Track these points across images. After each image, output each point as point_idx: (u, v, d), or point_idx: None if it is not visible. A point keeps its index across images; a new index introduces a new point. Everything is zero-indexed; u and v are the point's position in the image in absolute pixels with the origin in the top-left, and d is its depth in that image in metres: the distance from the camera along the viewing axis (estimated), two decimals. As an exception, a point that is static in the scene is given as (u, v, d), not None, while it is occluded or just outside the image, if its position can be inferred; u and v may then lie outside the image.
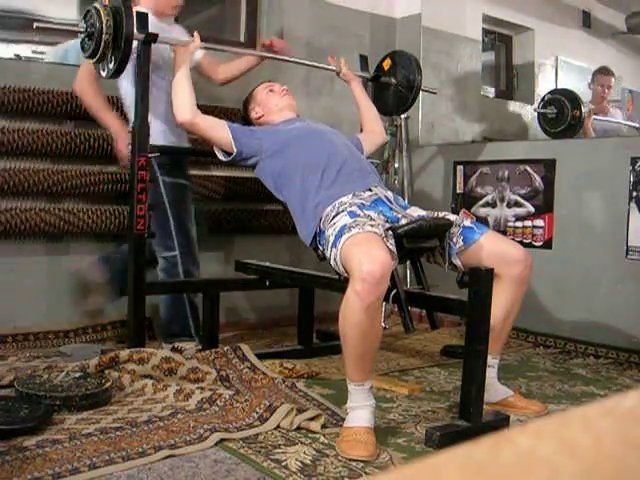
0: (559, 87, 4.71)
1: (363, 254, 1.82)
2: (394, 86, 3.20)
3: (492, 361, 2.21)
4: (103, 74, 2.34)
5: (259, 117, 2.67)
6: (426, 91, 3.29)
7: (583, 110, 4.18)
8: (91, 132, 2.94)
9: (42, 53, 3.07)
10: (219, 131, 2.49)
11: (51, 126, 2.90)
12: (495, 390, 2.25)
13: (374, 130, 2.88)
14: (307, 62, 3.13)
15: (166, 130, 2.74)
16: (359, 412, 1.88)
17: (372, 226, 1.98)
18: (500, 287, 2.11)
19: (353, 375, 1.89)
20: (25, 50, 3.05)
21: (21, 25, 3.01)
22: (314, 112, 3.53)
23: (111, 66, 2.32)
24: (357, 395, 1.90)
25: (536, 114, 4.46)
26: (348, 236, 1.94)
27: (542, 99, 4.37)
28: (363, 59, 3.26)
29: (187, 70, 2.54)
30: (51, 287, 2.95)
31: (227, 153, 2.51)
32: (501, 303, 2.12)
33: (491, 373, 2.22)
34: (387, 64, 3.24)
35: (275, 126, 2.59)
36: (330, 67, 3.03)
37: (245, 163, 2.54)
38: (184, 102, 2.50)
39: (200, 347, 2.73)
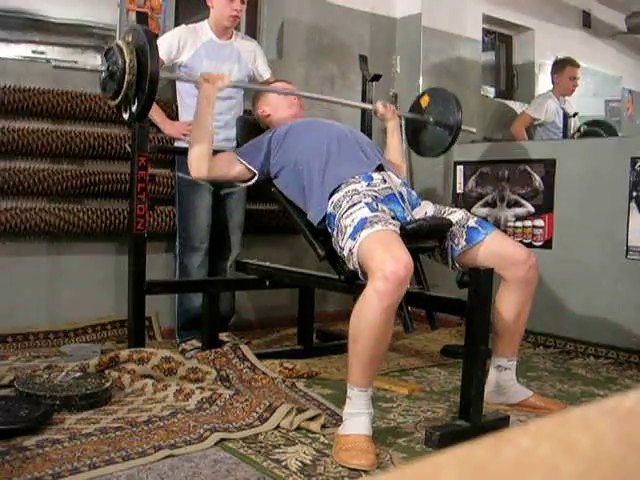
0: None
1: (386, 253, 1.78)
2: (431, 125, 2.96)
3: (508, 363, 2.21)
4: (125, 116, 2.16)
5: (266, 116, 2.66)
6: (466, 131, 3.01)
7: None
8: (91, 132, 2.94)
9: (42, 53, 3.07)
10: (235, 167, 2.42)
11: (51, 126, 2.90)
12: (515, 391, 2.23)
13: (395, 164, 2.68)
14: (342, 101, 3.07)
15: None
16: (359, 419, 1.81)
17: (394, 225, 1.95)
18: (507, 289, 2.11)
19: (358, 379, 1.81)
20: (25, 50, 3.05)
21: (21, 25, 3.01)
22: (314, 112, 3.52)
23: (134, 109, 2.09)
24: (359, 401, 1.82)
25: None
26: (370, 231, 1.89)
27: None
28: (363, 59, 3.26)
29: (210, 116, 2.38)
30: (51, 287, 2.95)
31: (250, 178, 2.45)
32: (509, 305, 2.11)
33: (509, 375, 2.21)
34: (425, 101, 2.99)
35: (280, 127, 2.50)
36: (365, 105, 3.02)
37: (272, 176, 2.43)
38: (201, 157, 2.36)
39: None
